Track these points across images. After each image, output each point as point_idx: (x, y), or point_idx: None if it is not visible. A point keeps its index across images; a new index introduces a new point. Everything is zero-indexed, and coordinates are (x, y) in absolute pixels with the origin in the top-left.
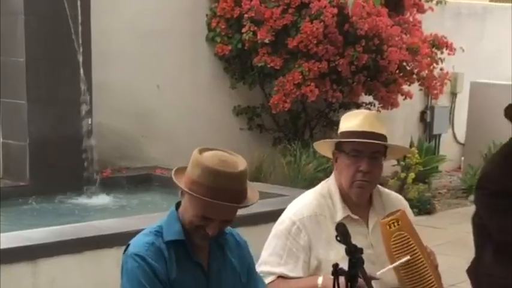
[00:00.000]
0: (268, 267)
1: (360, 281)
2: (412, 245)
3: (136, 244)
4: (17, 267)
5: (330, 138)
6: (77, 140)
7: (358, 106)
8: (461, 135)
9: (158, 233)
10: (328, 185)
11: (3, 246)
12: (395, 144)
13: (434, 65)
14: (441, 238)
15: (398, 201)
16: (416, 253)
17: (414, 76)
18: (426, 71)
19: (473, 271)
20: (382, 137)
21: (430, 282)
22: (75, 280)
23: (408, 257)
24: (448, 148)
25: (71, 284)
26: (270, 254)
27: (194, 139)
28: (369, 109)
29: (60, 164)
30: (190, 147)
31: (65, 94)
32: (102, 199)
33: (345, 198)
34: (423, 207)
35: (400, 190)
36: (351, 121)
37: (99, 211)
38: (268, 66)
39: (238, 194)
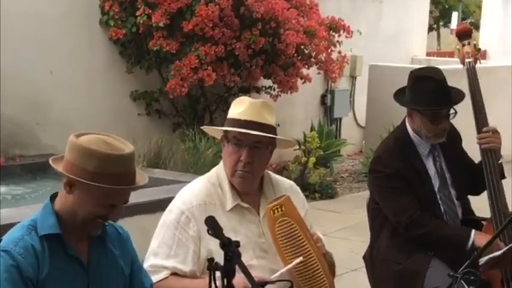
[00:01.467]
0: (159, 260)
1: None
2: (296, 231)
3: (7, 239)
4: None
5: None
6: None
7: (257, 90)
8: (362, 119)
9: (32, 227)
10: (218, 172)
11: None
12: (277, 136)
13: (332, 48)
14: (343, 223)
15: (290, 187)
16: (300, 239)
17: (312, 59)
18: (324, 54)
19: (369, 257)
20: (267, 127)
21: (316, 269)
22: None
23: (301, 259)
24: (349, 131)
25: None
26: (159, 244)
27: (91, 125)
28: (269, 93)
29: None
30: None
31: None
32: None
33: (235, 186)
34: (325, 192)
35: (302, 175)
36: (236, 108)
37: None
38: (164, 50)
39: (134, 174)
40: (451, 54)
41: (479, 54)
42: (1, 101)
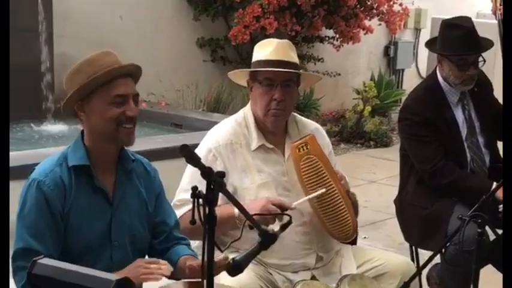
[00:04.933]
0: (187, 195)
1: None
2: (321, 168)
3: (39, 170)
4: None
5: None
6: (36, 69)
7: (321, 40)
8: (424, 70)
9: (62, 159)
10: (245, 113)
11: None
12: (305, 72)
13: (394, 0)
14: (393, 170)
15: (315, 129)
16: (325, 177)
17: (374, 11)
18: (386, 6)
19: (398, 201)
20: (294, 65)
21: (339, 204)
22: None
23: (323, 190)
24: (412, 82)
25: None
26: (188, 182)
27: (157, 70)
28: (332, 43)
29: (20, 92)
30: (153, 78)
31: (24, 23)
32: (60, 127)
33: (261, 127)
34: (380, 140)
35: (358, 122)
36: (263, 50)
37: (57, 139)
38: None
39: (120, 63)
40: None
41: None
42: (72, 44)
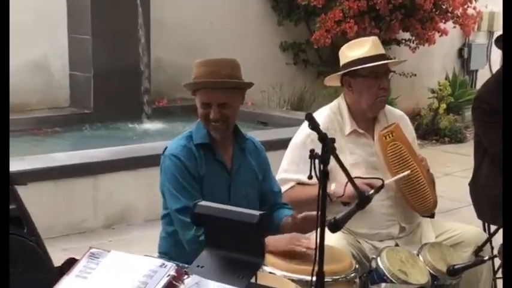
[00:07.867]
0: (287, 175)
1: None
2: (405, 152)
3: (172, 147)
4: (79, 182)
5: None
6: (136, 72)
7: (397, 42)
8: None
9: (189, 137)
10: (339, 103)
11: (67, 163)
12: (397, 60)
13: (468, 4)
14: (467, 164)
15: (400, 116)
16: (408, 159)
17: (449, 14)
18: (460, 10)
19: (472, 183)
20: (386, 57)
21: (421, 182)
22: (130, 194)
23: (408, 172)
24: None
25: (126, 197)
26: (288, 163)
27: (243, 72)
28: (408, 45)
29: (121, 93)
30: None
31: (125, 30)
32: (157, 126)
33: (353, 114)
34: (454, 136)
35: (433, 120)
36: (360, 49)
37: (154, 136)
38: (312, 4)
39: (222, 75)
40: None
41: None
42: (166, 49)
